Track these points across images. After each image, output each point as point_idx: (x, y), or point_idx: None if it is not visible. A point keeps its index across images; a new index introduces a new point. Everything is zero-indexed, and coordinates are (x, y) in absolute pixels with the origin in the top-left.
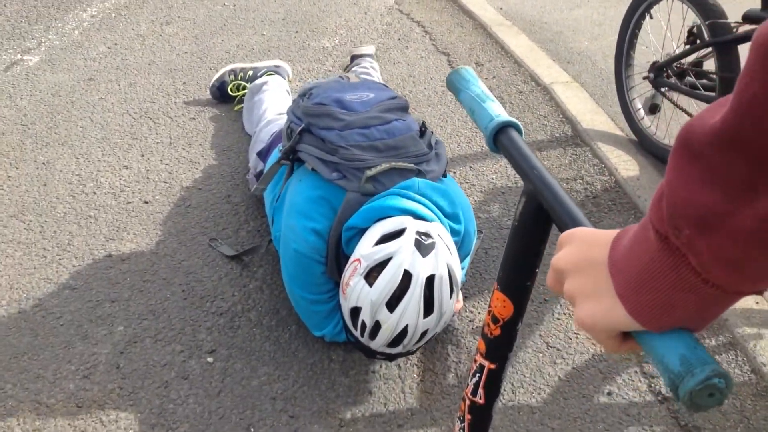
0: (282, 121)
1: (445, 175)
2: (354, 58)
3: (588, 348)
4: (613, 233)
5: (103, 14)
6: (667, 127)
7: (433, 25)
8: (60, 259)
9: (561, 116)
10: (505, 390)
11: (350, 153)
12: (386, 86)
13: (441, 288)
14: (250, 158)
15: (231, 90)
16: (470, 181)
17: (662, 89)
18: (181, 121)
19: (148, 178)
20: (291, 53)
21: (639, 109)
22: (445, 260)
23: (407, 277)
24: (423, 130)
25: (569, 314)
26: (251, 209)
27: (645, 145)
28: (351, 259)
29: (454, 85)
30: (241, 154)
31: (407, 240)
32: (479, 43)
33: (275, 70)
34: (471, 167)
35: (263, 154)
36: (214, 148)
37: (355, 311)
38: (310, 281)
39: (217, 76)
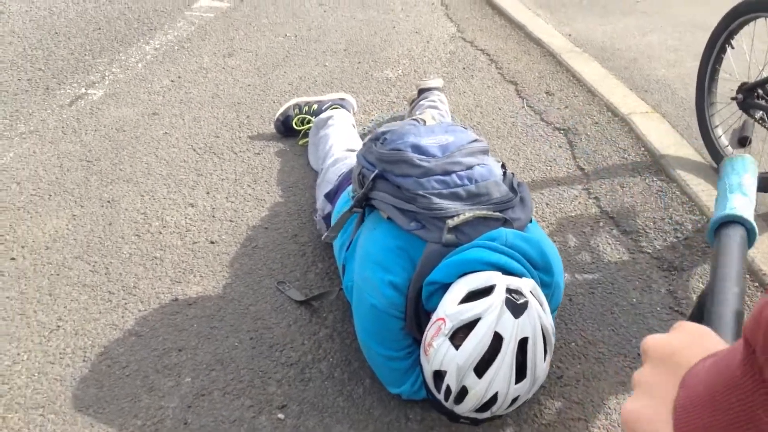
0: (350, 160)
1: (530, 221)
2: (422, 91)
3: None
4: (724, 350)
5: (166, 47)
6: (759, 158)
7: (499, 53)
8: (126, 303)
9: (642, 149)
10: None
11: (430, 201)
12: (465, 128)
13: (535, 351)
14: (317, 198)
15: (296, 124)
16: (547, 219)
17: (753, 111)
18: (245, 156)
19: (213, 216)
20: (354, 84)
21: (725, 143)
22: (538, 320)
23: (498, 339)
24: (504, 172)
25: None
26: (319, 250)
27: None
28: (434, 317)
29: (723, 170)
30: (307, 191)
31: (497, 299)
32: (549, 71)
33: (340, 104)
34: (548, 204)
35: (331, 196)
36: (279, 185)
37: (439, 374)
38: (388, 337)
39: (281, 110)
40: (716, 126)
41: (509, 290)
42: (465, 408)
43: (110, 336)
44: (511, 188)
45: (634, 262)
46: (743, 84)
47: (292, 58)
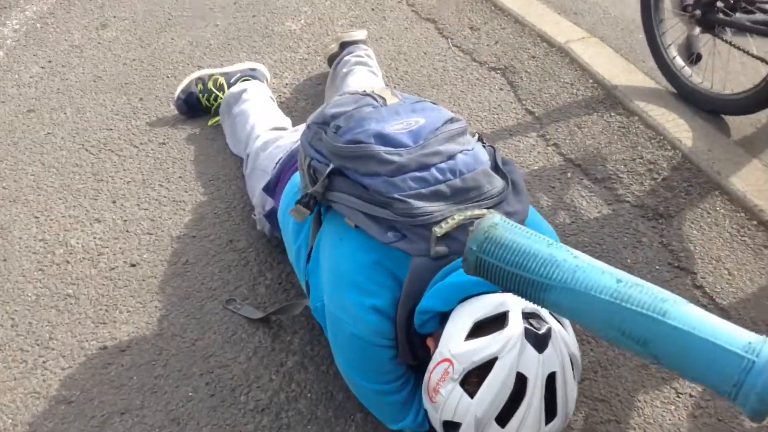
0: (284, 141)
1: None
2: (344, 45)
3: None
4: None
5: (27, 26)
6: (712, 75)
7: None
8: (44, 362)
9: (591, 81)
10: None
11: (409, 206)
12: (434, 103)
13: (565, 386)
14: (251, 192)
15: (202, 102)
16: None
17: (717, 29)
18: (149, 149)
19: (127, 231)
20: (255, 43)
21: (681, 64)
22: (565, 348)
23: (521, 381)
24: (489, 153)
25: None
26: (264, 255)
27: (696, 102)
28: (436, 356)
29: None
30: (233, 183)
31: (514, 331)
32: (467, 3)
33: (251, 74)
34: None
35: (272, 189)
36: (198, 179)
37: (452, 425)
38: (377, 370)
39: (181, 86)
40: (669, 45)
41: (526, 317)
42: None
43: (33, 408)
44: (499, 172)
45: (616, 215)
46: None
47: (176, 20)
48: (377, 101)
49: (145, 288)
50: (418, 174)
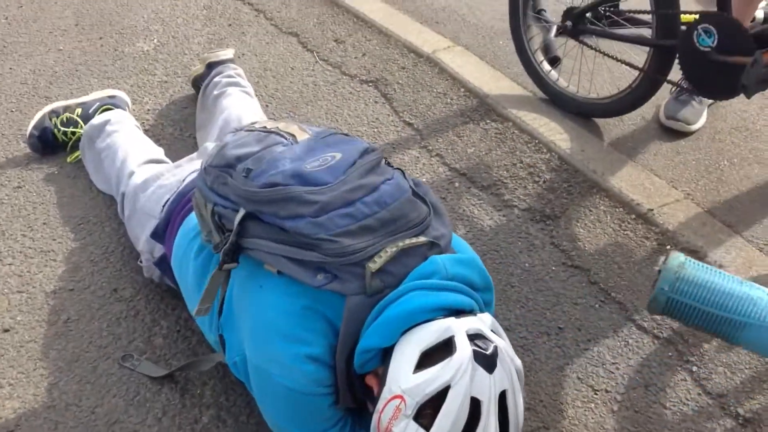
0: (167, 180)
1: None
2: (211, 66)
3: (637, 379)
4: None
5: None
6: (576, 77)
7: (262, 0)
8: None
9: (462, 89)
10: None
11: (339, 245)
12: (345, 134)
13: (515, 400)
14: (133, 237)
15: (58, 137)
16: None
17: (586, 38)
18: (3, 195)
19: None
20: (105, 67)
21: (544, 64)
22: (511, 364)
23: (475, 405)
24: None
25: (594, 339)
26: (154, 302)
27: (564, 105)
28: (385, 394)
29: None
30: (106, 224)
31: (463, 356)
32: (327, 14)
33: (111, 102)
34: None
35: (161, 235)
36: (65, 224)
37: None
38: (315, 419)
39: (34, 122)
40: (536, 50)
41: (471, 338)
42: None
43: None
44: (417, 196)
45: (507, 220)
46: (571, 9)
47: (13, 47)
48: (286, 139)
49: (24, 355)
50: (344, 210)
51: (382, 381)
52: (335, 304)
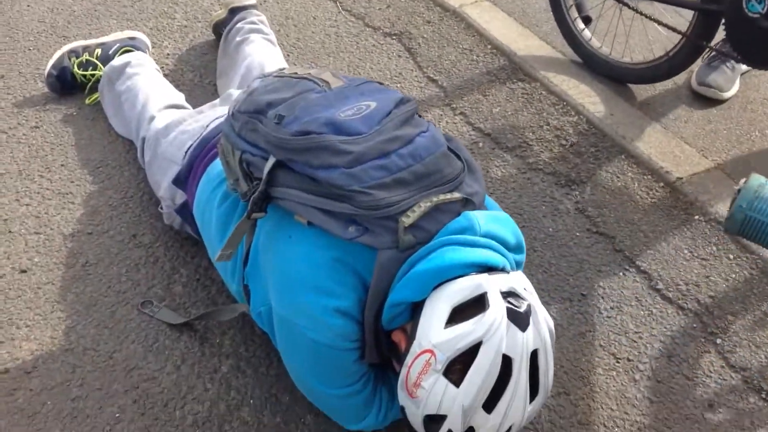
0: (190, 126)
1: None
2: (234, 11)
3: (660, 349)
4: None
5: None
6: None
7: None
8: None
9: (489, 47)
10: None
11: (372, 198)
12: (380, 83)
13: (547, 361)
14: (155, 184)
15: (77, 77)
16: None
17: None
18: (20, 134)
19: (10, 232)
20: (125, 9)
21: (579, 22)
22: (544, 324)
23: (506, 363)
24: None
25: (618, 307)
26: (174, 249)
27: (594, 66)
28: (415, 348)
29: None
30: (125, 168)
31: (497, 313)
32: None
33: (132, 44)
34: None
35: (183, 182)
36: (84, 167)
37: (437, 419)
38: (339, 374)
39: (52, 61)
40: (570, 6)
41: (505, 296)
42: None
43: None
44: (451, 151)
45: (531, 183)
46: None
47: None
48: (319, 85)
49: (42, 297)
50: (378, 162)
51: (411, 336)
52: (366, 257)
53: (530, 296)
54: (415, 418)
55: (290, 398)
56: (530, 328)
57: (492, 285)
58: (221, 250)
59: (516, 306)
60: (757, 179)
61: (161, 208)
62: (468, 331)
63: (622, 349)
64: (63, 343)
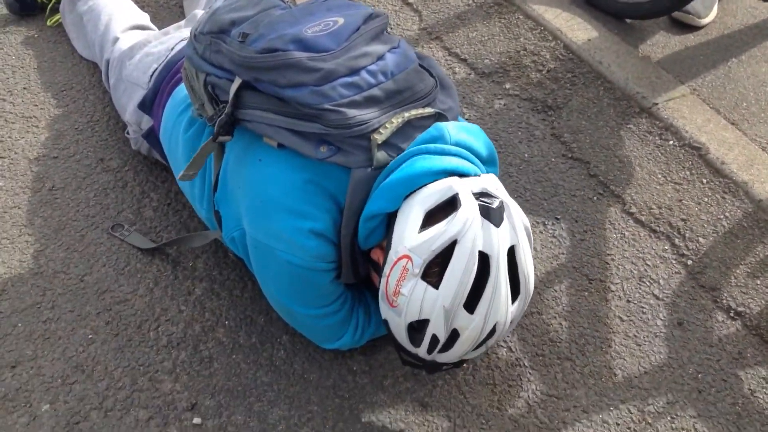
0: (155, 48)
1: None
2: None
3: (632, 270)
4: None
5: None
6: None
7: None
8: None
9: None
10: (572, 353)
11: (343, 116)
12: None
13: (525, 257)
14: (120, 108)
15: None
16: None
17: None
18: None
19: None
20: None
21: None
22: (519, 219)
23: (484, 260)
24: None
25: (591, 230)
26: (143, 173)
27: (598, 3)
28: (391, 256)
29: None
30: (90, 92)
31: (469, 210)
32: None
33: None
34: None
35: (148, 106)
36: (47, 90)
37: (419, 325)
38: (316, 294)
39: None
40: None
41: (477, 195)
42: (455, 354)
43: None
44: (424, 69)
45: (507, 110)
46: None
47: None
48: (284, 1)
49: (8, 221)
50: (348, 79)
51: (387, 248)
52: (339, 178)
53: (503, 195)
54: (399, 330)
55: (265, 320)
56: (504, 223)
57: (463, 186)
58: (184, 170)
59: (488, 203)
60: None
61: (128, 133)
62: (441, 231)
63: (595, 271)
64: (32, 266)
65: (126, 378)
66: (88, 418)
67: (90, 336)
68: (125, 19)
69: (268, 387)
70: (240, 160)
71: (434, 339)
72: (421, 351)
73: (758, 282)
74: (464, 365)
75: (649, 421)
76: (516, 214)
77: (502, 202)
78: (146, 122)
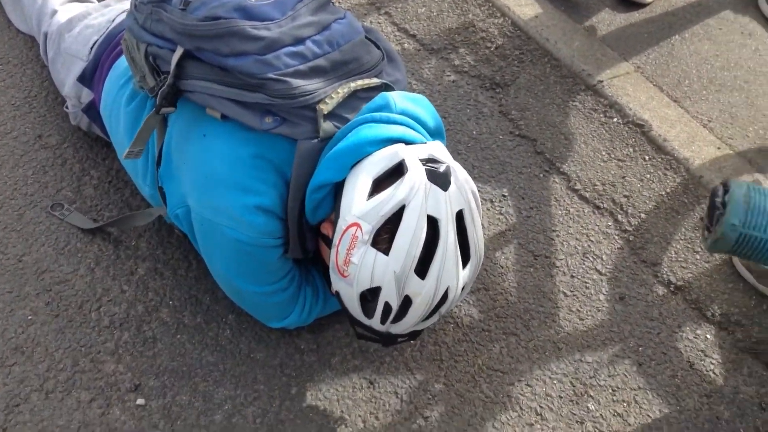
0: (95, 21)
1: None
2: None
3: (576, 246)
4: None
5: None
6: None
7: None
8: None
9: None
10: (517, 328)
11: (287, 86)
12: None
13: (473, 221)
14: (58, 81)
15: None
16: None
17: None
18: None
19: None
20: None
21: None
22: (466, 184)
23: (433, 224)
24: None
25: (537, 207)
26: (83, 150)
27: None
28: (340, 225)
29: None
30: (27, 66)
31: (416, 174)
32: None
33: None
34: None
35: (88, 79)
36: None
37: (372, 294)
38: (264, 271)
39: None
40: None
41: (423, 161)
42: (409, 323)
43: None
44: (371, 42)
45: (456, 87)
46: None
47: None
48: None
49: None
50: (293, 49)
51: (336, 218)
52: (286, 150)
53: (450, 161)
54: (352, 301)
55: (211, 299)
56: (452, 187)
57: (409, 152)
58: (129, 147)
59: (435, 168)
60: (739, 187)
61: (67, 107)
62: (389, 196)
63: (540, 247)
64: None
65: (67, 359)
66: (28, 400)
67: (29, 317)
68: None
69: (213, 367)
70: (184, 135)
71: (387, 307)
72: (375, 322)
73: (697, 257)
74: (419, 337)
75: (591, 394)
76: (463, 179)
77: (448, 167)
78: (86, 96)
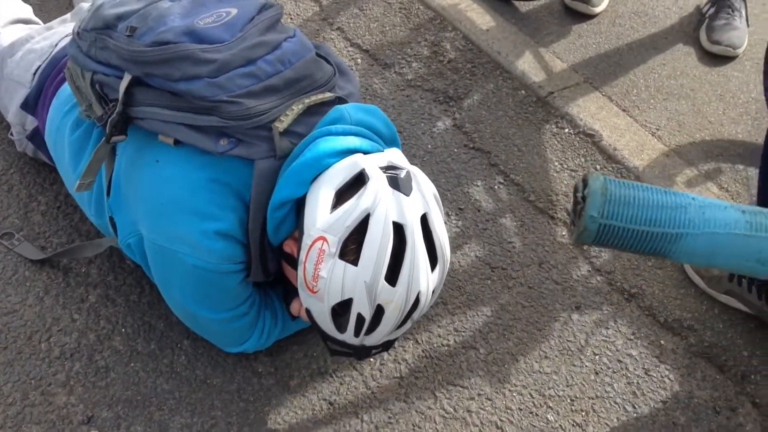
0: (38, 45)
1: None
2: None
3: (532, 257)
4: None
5: None
6: None
7: None
8: None
9: None
10: (476, 342)
11: (241, 107)
12: None
13: (438, 224)
14: (4, 110)
15: None
16: None
17: None
18: None
19: None
20: None
21: None
22: (427, 187)
23: (399, 230)
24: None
25: (493, 219)
26: (30, 175)
27: None
28: (306, 241)
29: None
30: None
31: (378, 182)
32: None
33: None
34: None
35: (32, 106)
36: None
37: (343, 308)
38: (224, 297)
39: None
40: None
41: (383, 168)
42: (382, 332)
43: None
44: (321, 58)
45: (410, 101)
46: None
47: None
48: None
49: None
50: (245, 70)
51: (300, 234)
52: (243, 173)
53: (409, 164)
54: (323, 317)
55: (165, 324)
56: (414, 192)
57: (369, 161)
58: (80, 179)
59: (396, 174)
60: (596, 180)
61: (11, 134)
62: (353, 206)
63: (497, 259)
64: None
65: (16, 393)
66: None
67: None
68: (6, 12)
69: (169, 395)
70: (134, 163)
71: (360, 318)
72: (348, 335)
73: (650, 264)
74: (393, 347)
75: (550, 405)
76: (424, 183)
77: (408, 172)
78: (30, 123)
